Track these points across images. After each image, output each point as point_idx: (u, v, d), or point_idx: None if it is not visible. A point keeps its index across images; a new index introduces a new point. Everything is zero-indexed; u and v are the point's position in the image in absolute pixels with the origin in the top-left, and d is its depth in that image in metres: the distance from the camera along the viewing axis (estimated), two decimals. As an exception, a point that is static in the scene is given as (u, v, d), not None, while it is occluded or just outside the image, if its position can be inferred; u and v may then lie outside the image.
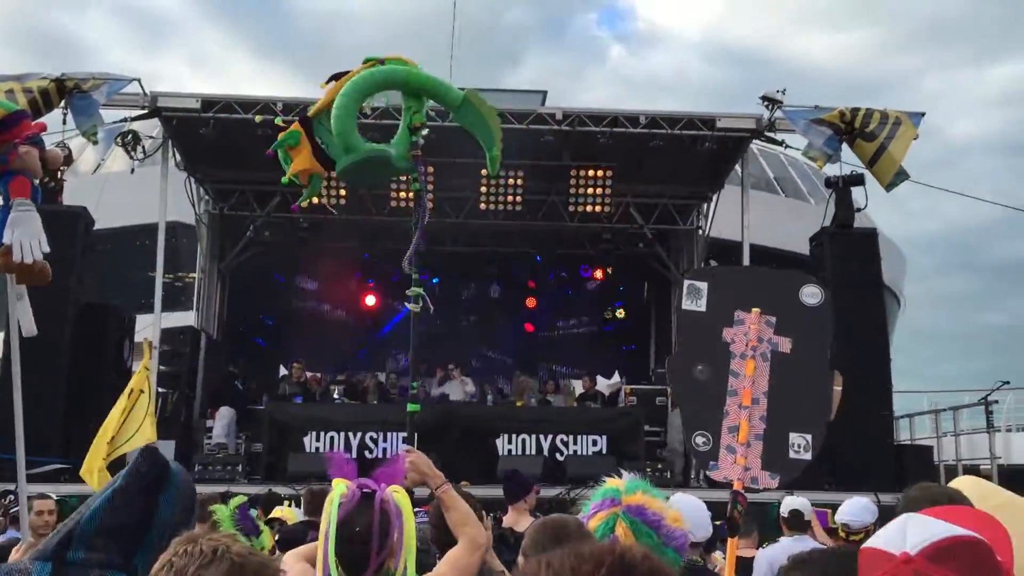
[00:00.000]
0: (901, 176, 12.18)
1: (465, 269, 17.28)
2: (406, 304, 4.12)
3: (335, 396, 14.29)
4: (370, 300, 17.92)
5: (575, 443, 12.67)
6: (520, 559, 2.81)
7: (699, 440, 3.52)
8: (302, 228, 15.54)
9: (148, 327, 12.98)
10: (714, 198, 14.98)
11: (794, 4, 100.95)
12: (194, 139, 13.06)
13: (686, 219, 15.66)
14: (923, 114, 12.55)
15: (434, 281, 15.34)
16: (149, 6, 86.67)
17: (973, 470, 13.28)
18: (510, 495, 5.79)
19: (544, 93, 16.69)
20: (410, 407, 4.10)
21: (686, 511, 3.43)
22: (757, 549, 5.71)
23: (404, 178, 8.74)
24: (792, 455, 3.49)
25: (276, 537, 5.22)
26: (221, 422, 13.32)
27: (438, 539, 3.68)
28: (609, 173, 14.03)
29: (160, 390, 12.46)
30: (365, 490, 2.50)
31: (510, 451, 12.55)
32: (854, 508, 5.65)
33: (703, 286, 3.69)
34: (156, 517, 1.89)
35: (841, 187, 12.93)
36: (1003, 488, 2.44)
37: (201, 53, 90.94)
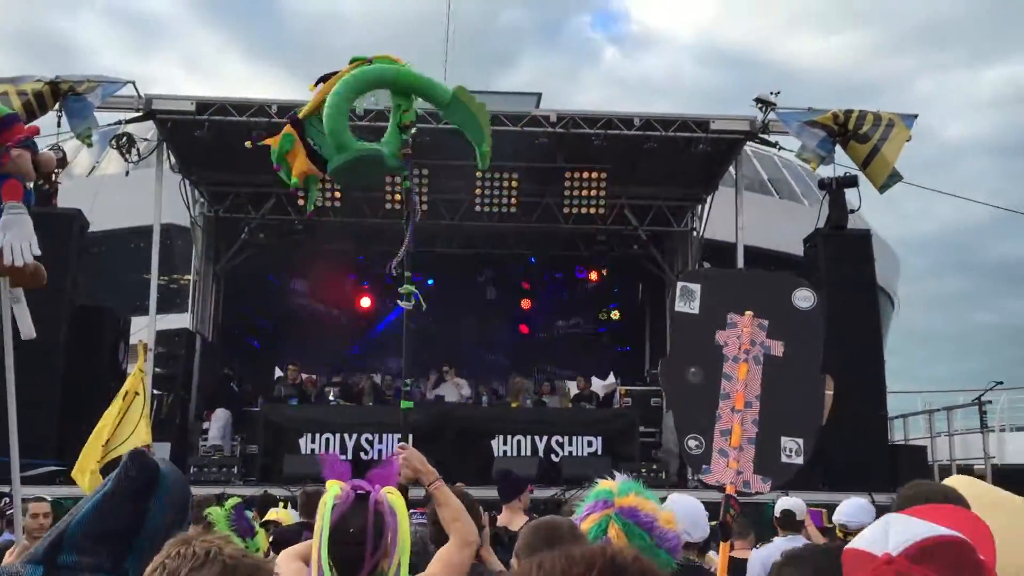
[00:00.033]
0: (894, 178, 12.21)
1: (460, 271, 17.25)
2: (399, 303, 4.13)
3: (330, 398, 14.25)
4: (365, 302, 17.91)
5: (570, 444, 12.68)
6: (513, 561, 2.83)
7: (691, 443, 3.51)
8: (297, 230, 15.53)
9: (143, 329, 12.96)
10: (708, 200, 15.02)
11: (787, 6, 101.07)
12: (189, 141, 13.06)
13: (680, 221, 15.71)
14: (916, 116, 12.59)
15: (429, 283, 15.31)
16: (142, 9, 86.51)
17: (967, 470, 13.28)
18: (504, 494, 5.80)
19: (539, 95, 16.72)
20: (403, 404, 4.11)
21: (683, 511, 3.44)
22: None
23: (395, 178, 8.73)
24: (784, 459, 3.47)
25: (271, 539, 5.22)
26: (216, 424, 13.32)
27: (438, 538, 3.68)
28: (603, 175, 14.03)
29: (155, 392, 12.41)
30: (359, 491, 2.50)
31: (505, 452, 12.56)
32: (851, 508, 5.66)
33: (696, 288, 3.66)
34: (147, 521, 1.89)
35: (835, 189, 12.95)
36: (997, 487, 2.46)
37: (195, 56, 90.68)
